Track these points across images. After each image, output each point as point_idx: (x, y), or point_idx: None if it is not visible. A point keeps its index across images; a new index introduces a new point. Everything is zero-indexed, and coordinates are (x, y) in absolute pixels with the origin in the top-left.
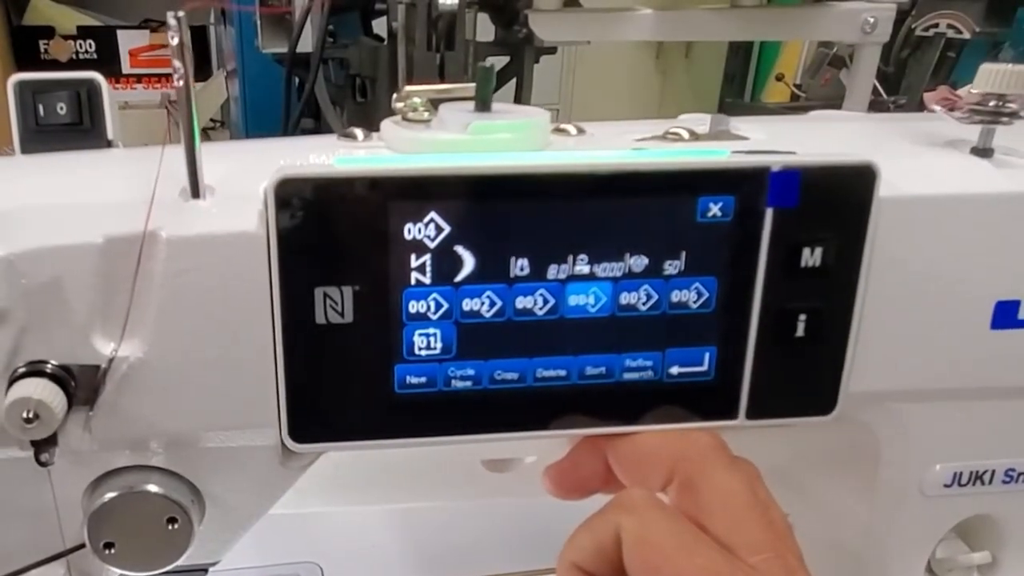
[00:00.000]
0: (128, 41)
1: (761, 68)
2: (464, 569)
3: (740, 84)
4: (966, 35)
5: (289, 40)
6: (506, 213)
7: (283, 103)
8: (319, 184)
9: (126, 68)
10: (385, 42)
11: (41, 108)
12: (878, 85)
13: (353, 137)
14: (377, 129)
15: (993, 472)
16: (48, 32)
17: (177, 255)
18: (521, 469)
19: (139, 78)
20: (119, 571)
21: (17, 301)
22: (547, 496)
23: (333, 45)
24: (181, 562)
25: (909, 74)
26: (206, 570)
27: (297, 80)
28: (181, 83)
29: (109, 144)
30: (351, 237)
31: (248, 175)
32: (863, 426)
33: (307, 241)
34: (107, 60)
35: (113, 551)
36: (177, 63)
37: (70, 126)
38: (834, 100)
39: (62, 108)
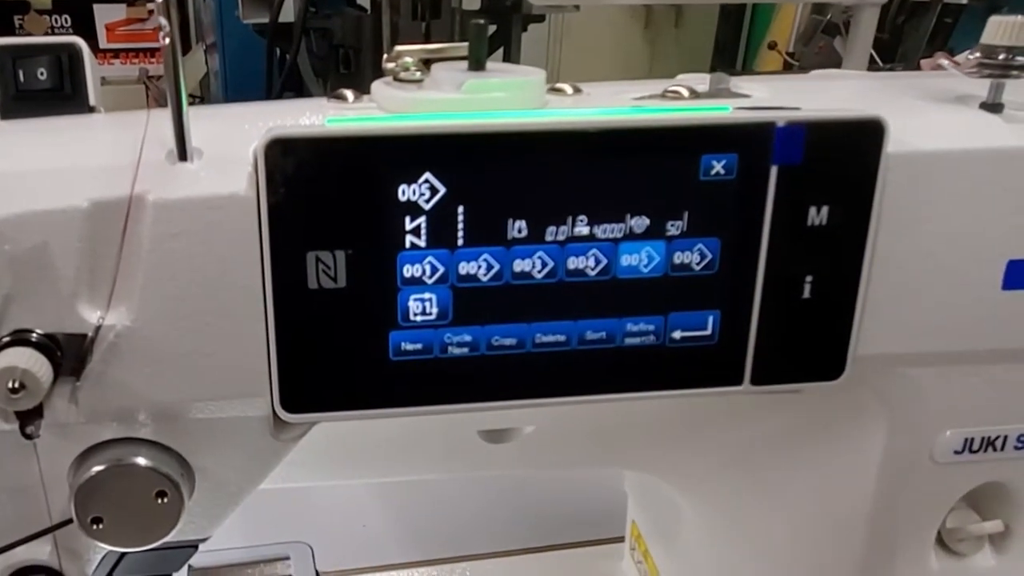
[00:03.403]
0: (105, 15)
1: (753, 36)
2: (458, 549)
3: (731, 53)
4: (963, 0)
5: (270, 10)
6: (503, 173)
7: (265, 75)
8: (310, 145)
9: (103, 43)
10: (368, 11)
11: (21, 74)
12: (874, 53)
13: (343, 99)
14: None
15: (1005, 438)
16: (23, 7)
17: (164, 219)
18: (520, 440)
19: (116, 53)
20: (107, 547)
21: (1, 268)
22: (545, 470)
23: (315, 15)
24: (171, 538)
25: (905, 40)
26: (196, 547)
27: (279, 52)
28: (167, 41)
29: (91, 110)
30: (344, 199)
31: (237, 137)
32: (871, 391)
33: (299, 204)
34: (83, 35)
35: (101, 526)
36: (163, 20)
37: (51, 92)
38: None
39: (43, 74)
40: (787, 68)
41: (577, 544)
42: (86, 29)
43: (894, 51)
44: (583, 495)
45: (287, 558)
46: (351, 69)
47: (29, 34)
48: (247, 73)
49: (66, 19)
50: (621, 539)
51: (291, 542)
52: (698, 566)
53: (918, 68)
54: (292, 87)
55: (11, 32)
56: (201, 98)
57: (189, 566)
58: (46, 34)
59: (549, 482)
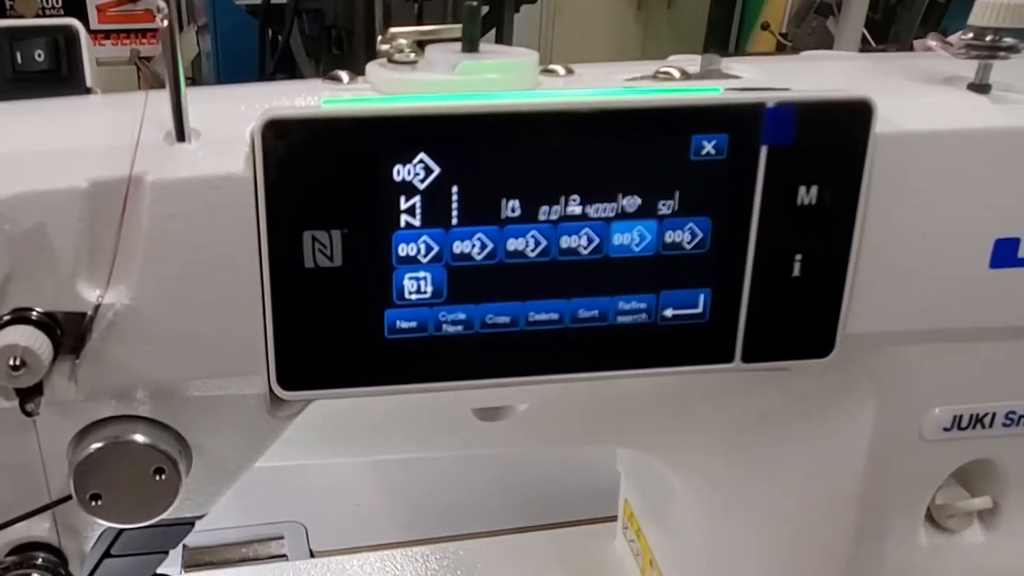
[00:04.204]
0: None
1: (746, 17)
2: (451, 529)
3: (724, 34)
4: None
5: None
6: (496, 153)
7: (258, 57)
8: (307, 125)
9: (94, 24)
10: None
11: (18, 55)
12: (866, 33)
13: (338, 80)
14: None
15: (993, 415)
16: None
17: (163, 199)
18: (513, 417)
19: (107, 34)
20: (106, 524)
21: (1, 248)
22: (539, 447)
23: None
24: (168, 515)
25: (897, 22)
26: (192, 524)
27: (271, 33)
28: (165, 23)
29: (88, 91)
30: (339, 179)
31: (234, 118)
32: (861, 368)
33: (295, 184)
34: (74, 16)
35: (100, 503)
36: (161, 2)
37: (48, 73)
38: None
39: (40, 55)
40: (780, 49)
41: (570, 523)
42: (77, 10)
43: (887, 32)
44: (576, 475)
45: (281, 537)
46: (343, 50)
47: (20, 15)
48: (239, 54)
49: (57, 0)
50: (614, 518)
51: (285, 522)
52: (690, 544)
53: (911, 49)
54: (284, 68)
55: (1, 14)
56: (192, 79)
57: (184, 545)
58: (37, 15)
59: (542, 462)
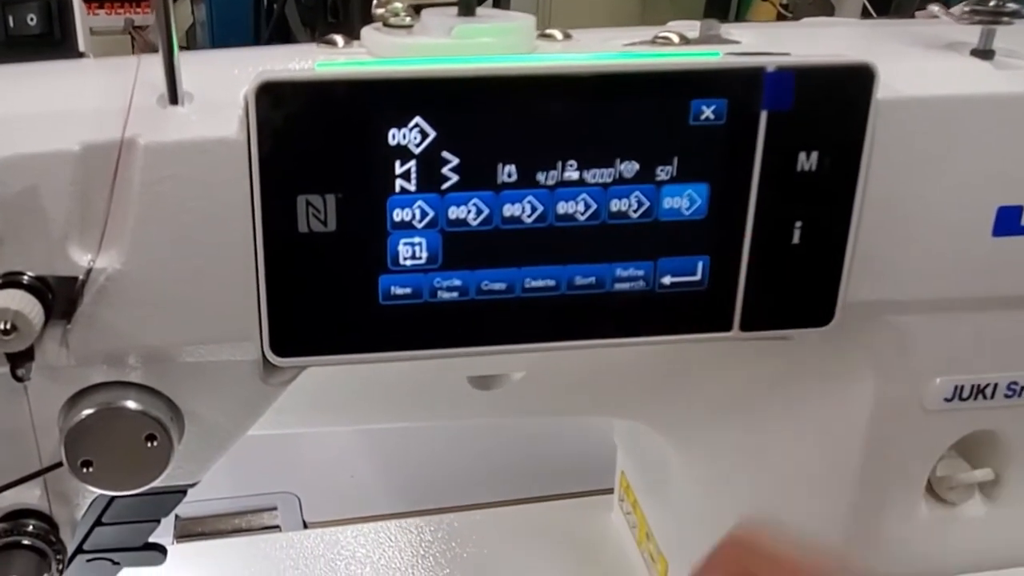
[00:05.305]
0: None
1: None
2: (446, 500)
3: (724, 3)
4: None
5: None
6: (492, 117)
7: (252, 26)
8: (301, 88)
9: None
10: None
11: (11, 19)
12: (868, 5)
13: (333, 44)
14: None
15: (995, 386)
16: None
17: (155, 163)
18: (509, 386)
19: (102, 3)
20: (97, 491)
21: None
22: (535, 417)
23: None
24: (160, 482)
25: None
26: (185, 492)
27: (266, 1)
28: None
29: (80, 55)
30: (334, 143)
31: (227, 82)
32: (861, 338)
33: (289, 147)
34: None
35: (91, 470)
36: None
37: (41, 37)
38: None
39: (32, 19)
40: (780, 19)
41: (566, 495)
42: None
43: (888, 3)
44: (572, 446)
45: (275, 508)
46: (339, 19)
47: None
48: (234, 23)
49: None
50: (610, 491)
51: (279, 492)
52: (686, 516)
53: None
54: (280, 37)
55: None
56: (187, 48)
57: (177, 515)
58: None
59: (538, 433)
